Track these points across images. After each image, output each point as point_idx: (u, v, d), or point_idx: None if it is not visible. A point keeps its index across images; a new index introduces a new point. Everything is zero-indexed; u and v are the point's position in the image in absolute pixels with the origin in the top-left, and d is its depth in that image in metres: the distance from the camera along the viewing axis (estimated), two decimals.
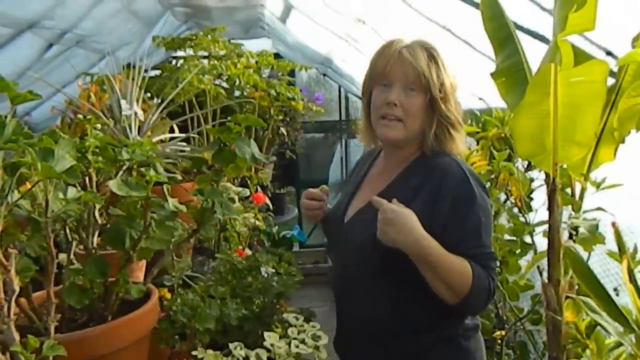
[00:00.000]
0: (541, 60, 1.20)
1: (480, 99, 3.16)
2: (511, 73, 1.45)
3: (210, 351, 0.98)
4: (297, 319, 1.08)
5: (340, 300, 1.26)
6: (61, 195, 0.69)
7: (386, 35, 3.47)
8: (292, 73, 5.43)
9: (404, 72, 1.19)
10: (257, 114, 3.74)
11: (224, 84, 3.93)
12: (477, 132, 2.20)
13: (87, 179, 0.89)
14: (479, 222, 1.15)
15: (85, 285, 0.87)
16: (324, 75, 5.31)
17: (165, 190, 0.87)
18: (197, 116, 3.07)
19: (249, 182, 2.89)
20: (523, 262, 2.18)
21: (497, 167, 1.93)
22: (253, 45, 3.97)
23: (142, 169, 0.88)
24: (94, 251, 0.92)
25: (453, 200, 1.14)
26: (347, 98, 5.51)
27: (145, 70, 3.37)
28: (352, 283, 1.24)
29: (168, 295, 1.36)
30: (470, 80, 3.01)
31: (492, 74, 1.52)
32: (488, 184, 2.08)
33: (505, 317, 2.23)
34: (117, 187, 0.80)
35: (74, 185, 0.81)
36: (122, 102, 1.37)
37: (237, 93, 3.84)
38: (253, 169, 3.76)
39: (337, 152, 5.57)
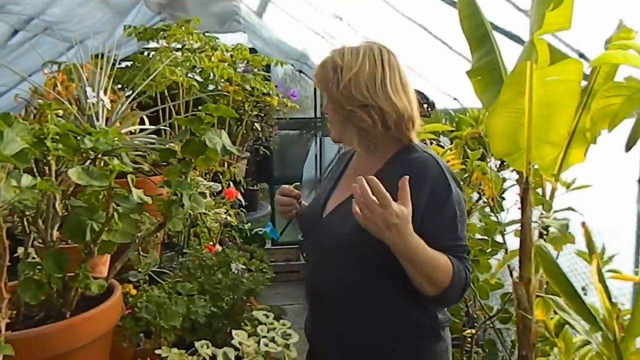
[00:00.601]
0: (517, 59, 1.20)
1: (455, 99, 3.19)
2: (487, 71, 1.45)
3: (175, 350, 0.94)
4: (267, 316, 1.05)
5: (315, 292, 1.27)
6: (14, 183, 0.65)
7: (363, 32, 3.48)
8: (267, 69, 5.38)
9: (319, 85, 1.33)
10: (231, 108, 3.68)
11: (198, 77, 3.87)
12: (451, 131, 2.21)
13: (46, 168, 0.84)
14: (454, 215, 1.19)
15: (42, 280, 0.82)
16: (300, 72, 5.28)
17: (129, 180, 0.83)
18: (169, 108, 3.01)
19: (221, 177, 2.84)
20: (494, 261, 2.20)
21: (471, 166, 1.93)
22: (228, 40, 3.91)
23: (107, 159, 0.83)
24: (52, 244, 0.87)
25: (431, 192, 1.17)
26: (322, 96, 5.49)
27: (116, 61, 3.28)
28: (329, 275, 1.25)
29: (133, 292, 1.31)
30: (445, 80, 3.03)
31: (468, 72, 1.52)
32: (461, 183, 2.09)
33: (475, 316, 2.25)
34: (76, 175, 0.76)
35: (33, 175, 0.76)
36: (88, 89, 1.31)
37: (211, 87, 3.78)
38: (226, 164, 3.71)
39: (311, 149, 5.54)
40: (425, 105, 3.46)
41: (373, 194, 1.04)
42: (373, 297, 1.20)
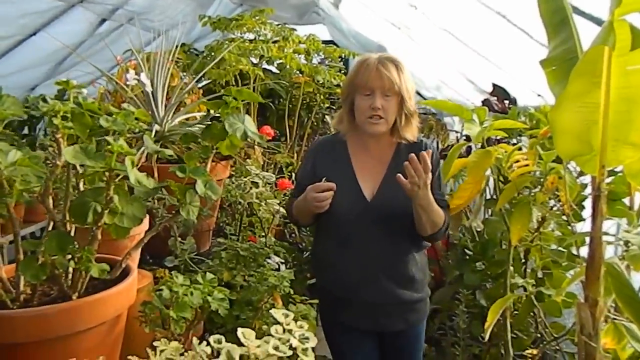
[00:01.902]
0: (591, 43, 1.02)
1: (539, 95, 2.93)
2: (563, 61, 1.27)
3: (174, 343, 0.90)
4: (286, 316, 0.99)
5: (376, 258, 1.68)
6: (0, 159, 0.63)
7: (439, 22, 3.30)
8: (346, 62, 5.31)
9: (381, 84, 1.63)
10: (303, 100, 3.67)
11: (274, 69, 3.88)
12: (526, 129, 2.01)
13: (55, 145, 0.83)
14: (440, 178, 1.76)
15: (46, 260, 0.82)
16: None
17: (128, 162, 0.79)
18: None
19: (283, 168, 2.82)
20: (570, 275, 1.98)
21: (544, 168, 1.73)
22: (307, 31, 3.88)
23: (111, 139, 0.80)
24: (62, 225, 0.86)
25: (436, 166, 1.70)
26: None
27: (195, 50, 3.34)
28: (394, 239, 1.69)
29: (168, 277, 1.30)
30: (528, 75, 2.78)
31: (541, 62, 1.34)
32: (535, 189, 1.89)
33: (543, 334, 2.03)
34: (72, 154, 0.74)
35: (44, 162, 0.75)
36: (130, 72, 1.32)
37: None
38: (295, 156, 3.70)
39: None
40: (507, 102, 3.21)
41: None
42: (413, 236, 1.69)
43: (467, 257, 2.53)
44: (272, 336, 0.92)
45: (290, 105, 3.57)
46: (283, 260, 1.47)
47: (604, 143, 1.06)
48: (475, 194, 1.73)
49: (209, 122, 0.95)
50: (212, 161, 1.88)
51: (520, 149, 2.16)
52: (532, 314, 2.20)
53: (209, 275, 1.08)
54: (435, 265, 3.08)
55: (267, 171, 3.00)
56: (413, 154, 1.48)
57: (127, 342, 1.06)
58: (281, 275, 1.26)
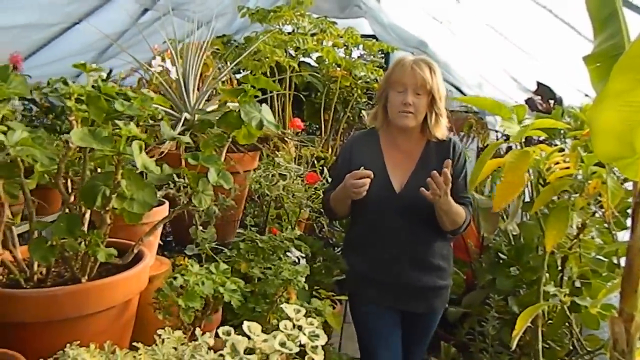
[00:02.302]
0: (636, 37, 0.94)
1: (586, 95, 2.78)
2: (608, 57, 1.19)
3: (178, 333, 0.88)
4: (297, 311, 0.96)
5: (403, 245, 1.88)
6: (2, 138, 0.63)
7: (482, 16, 3.18)
8: (386, 57, 5.23)
9: (414, 82, 1.81)
10: (339, 95, 3.63)
11: (313, 63, 3.86)
12: (569, 130, 1.91)
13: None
14: (466, 178, 1.92)
15: (56, 242, 0.82)
16: None
17: (135, 147, 0.78)
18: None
19: (315, 161, 2.79)
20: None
21: (586, 172, 1.64)
22: (349, 25, 3.83)
23: (121, 123, 0.79)
24: (74, 208, 0.86)
25: (457, 163, 1.90)
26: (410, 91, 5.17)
27: (235, 42, 3.35)
28: (419, 229, 1.89)
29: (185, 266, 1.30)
30: (575, 73, 2.64)
31: (585, 58, 1.26)
32: (575, 194, 1.79)
33: (577, 347, 1.93)
34: (79, 137, 0.73)
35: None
36: (157, 59, 1.31)
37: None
38: (330, 151, 3.67)
39: None
40: (552, 101, 3.08)
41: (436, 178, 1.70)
42: (437, 228, 1.88)
43: (501, 261, 2.44)
44: (281, 331, 0.89)
45: (327, 99, 3.54)
46: (303, 255, 1.45)
47: None
48: (513, 196, 1.65)
49: (226, 110, 0.93)
50: (240, 152, 1.88)
51: (562, 150, 2.06)
52: (567, 324, 2.09)
53: (223, 266, 1.07)
54: (467, 268, 2.99)
55: (299, 165, 2.99)
56: (435, 172, 1.69)
57: (140, 328, 1.06)
58: (295, 270, 1.23)
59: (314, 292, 2.03)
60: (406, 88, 1.80)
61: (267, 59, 2.62)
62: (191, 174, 0.90)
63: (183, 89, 1.82)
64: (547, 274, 2.08)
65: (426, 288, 1.91)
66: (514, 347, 1.51)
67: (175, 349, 0.81)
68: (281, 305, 0.99)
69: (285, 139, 2.93)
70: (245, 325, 0.88)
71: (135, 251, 0.96)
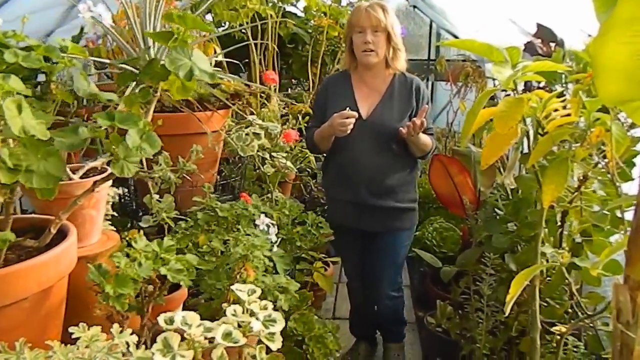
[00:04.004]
0: None
1: (589, 35, 2.57)
2: None
3: (94, 330, 0.76)
4: (252, 292, 0.83)
5: (367, 167, 2.19)
6: None
7: None
8: None
9: (370, 22, 2.10)
10: (327, 46, 3.41)
11: (300, 13, 3.62)
12: (571, 74, 1.73)
13: None
14: (430, 111, 2.23)
15: None
16: (414, 7, 4.76)
17: (9, 105, 0.62)
18: (262, 44, 2.82)
19: (300, 118, 2.63)
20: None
21: (588, 118, 1.47)
22: None
23: None
24: None
25: (423, 99, 2.23)
26: (438, 35, 4.94)
27: None
28: (381, 153, 2.18)
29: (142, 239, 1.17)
30: (576, 11, 2.43)
31: None
32: (576, 144, 1.63)
33: (579, 310, 1.82)
34: None
35: None
36: (87, 2, 1.13)
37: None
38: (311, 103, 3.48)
39: None
40: (553, 44, 2.87)
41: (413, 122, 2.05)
42: (404, 157, 2.22)
43: (498, 217, 2.31)
44: (230, 318, 0.77)
45: (314, 51, 3.34)
46: (274, 222, 1.32)
47: None
48: (504, 149, 1.50)
49: (150, 59, 0.76)
50: (208, 110, 1.72)
51: (562, 95, 1.89)
52: (566, 281, 1.98)
53: (167, 242, 0.93)
54: (464, 224, 2.87)
55: (287, 122, 2.82)
56: (415, 120, 2.03)
57: (85, 313, 0.93)
58: (252, 244, 1.10)
59: (303, 256, 1.92)
60: (365, 29, 2.11)
61: (243, 9, 2.41)
62: (112, 137, 0.75)
63: (141, 41, 1.65)
64: (546, 230, 1.96)
65: (382, 208, 2.20)
66: (507, 312, 1.39)
67: (88, 347, 0.69)
68: (232, 287, 0.86)
69: (271, 94, 2.75)
70: (180, 316, 0.75)
71: (54, 230, 0.83)
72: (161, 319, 0.80)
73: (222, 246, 1.16)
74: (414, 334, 2.96)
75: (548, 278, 2.04)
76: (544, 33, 2.84)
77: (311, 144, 2.20)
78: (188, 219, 1.34)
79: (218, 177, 2.03)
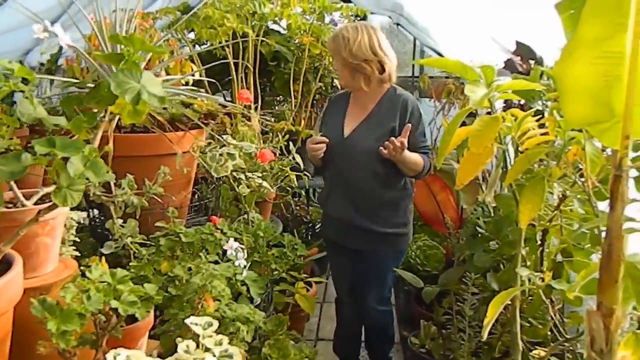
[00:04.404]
0: None
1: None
2: (584, 2, 1.00)
3: None
4: (207, 326, 0.79)
5: (347, 186, 2.20)
6: None
7: None
8: (364, 20, 4.95)
9: (333, 55, 2.23)
10: (308, 63, 3.41)
11: (283, 30, 3.62)
12: (548, 92, 1.72)
13: None
14: (423, 129, 2.24)
15: None
16: (398, 25, 4.79)
17: None
18: (242, 64, 2.80)
19: (280, 137, 2.60)
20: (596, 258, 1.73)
21: (564, 137, 1.46)
22: None
23: None
24: None
25: (410, 116, 2.16)
26: (422, 52, 4.96)
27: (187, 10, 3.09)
28: (355, 167, 2.16)
29: (104, 267, 1.12)
30: (555, 29, 2.45)
31: (557, 5, 1.07)
32: (552, 162, 1.62)
33: (557, 332, 1.78)
34: None
35: None
36: (44, 24, 1.10)
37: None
38: (302, 123, 3.46)
39: None
40: (532, 61, 2.89)
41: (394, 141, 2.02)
42: (385, 178, 2.16)
43: (479, 235, 2.28)
44: (187, 354, 0.72)
45: (297, 68, 3.33)
46: (243, 246, 1.28)
47: (629, 107, 0.80)
48: (478, 169, 1.48)
49: (98, 81, 0.73)
50: (180, 130, 1.69)
51: (539, 113, 1.88)
52: (550, 300, 1.96)
53: (120, 272, 0.89)
54: (447, 243, 2.85)
55: (271, 141, 2.79)
56: (393, 138, 2.01)
57: (33, 349, 0.88)
58: (210, 273, 1.05)
59: (283, 275, 1.88)
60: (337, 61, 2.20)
61: (221, 27, 2.40)
62: (55, 165, 0.71)
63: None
64: (526, 249, 1.94)
65: (365, 230, 2.18)
66: (485, 337, 1.36)
67: None
68: (186, 320, 0.82)
69: (252, 113, 2.73)
70: (124, 354, 0.71)
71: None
72: (110, 355, 0.76)
73: (185, 274, 1.11)
74: (399, 354, 2.91)
75: (530, 297, 2.01)
76: (523, 51, 2.85)
77: (312, 163, 2.36)
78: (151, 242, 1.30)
79: (196, 197, 1.99)
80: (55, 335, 0.78)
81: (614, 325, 0.88)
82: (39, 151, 0.68)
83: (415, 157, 2.10)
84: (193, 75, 2.19)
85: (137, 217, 1.27)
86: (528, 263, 2.01)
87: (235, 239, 1.32)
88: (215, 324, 0.81)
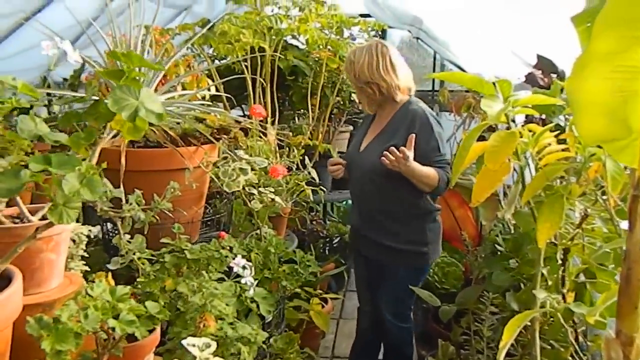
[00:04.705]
0: None
1: None
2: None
3: None
4: (205, 347, 0.77)
5: (358, 198, 2.36)
6: None
7: None
8: (383, 35, 4.95)
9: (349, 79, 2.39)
10: (328, 78, 3.41)
11: (302, 46, 3.63)
12: (565, 107, 1.67)
13: None
14: (436, 142, 2.13)
15: None
16: (417, 39, 4.76)
17: None
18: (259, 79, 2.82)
19: (295, 151, 2.59)
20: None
21: (584, 154, 1.41)
22: (347, 5, 3.64)
23: None
24: None
25: (419, 130, 2.11)
26: (443, 66, 4.92)
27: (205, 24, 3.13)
28: (366, 183, 2.22)
29: (111, 283, 1.11)
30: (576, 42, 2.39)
31: (573, 18, 1.04)
32: (572, 179, 1.56)
33: (582, 353, 1.71)
34: None
35: None
36: (53, 41, 1.11)
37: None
38: (320, 137, 3.45)
39: None
40: (554, 75, 2.83)
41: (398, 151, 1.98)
42: (392, 192, 2.16)
43: (499, 252, 2.22)
44: None
45: (315, 83, 3.33)
46: (250, 264, 1.26)
47: None
48: (494, 187, 1.44)
49: (96, 98, 0.73)
50: (193, 145, 1.69)
51: (559, 129, 1.83)
52: (573, 321, 1.88)
53: (120, 290, 0.88)
54: (466, 260, 2.78)
55: (287, 156, 2.79)
56: (392, 147, 2.00)
57: None
58: (210, 292, 1.04)
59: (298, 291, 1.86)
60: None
61: (237, 42, 2.41)
62: (52, 181, 0.71)
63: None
64: (547, 268, 1.87)
65: (373, 241, 2.24)
66: (501, 359, 1.31)
67: None
68: (183, 342, 0.80)
69: (268, 127, 2.73)
70: None
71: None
72: None
73: (190, 291, 1.09)
74: None
75: (552, 318, 1.94)
76: (545, 64, 2.80)
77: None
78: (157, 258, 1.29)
79: (209, 211, 1.98)
80: (50, 355, 0.77)
81: (634, 355, 0.83)
82: (33, 168, 0.68)
83: (426, 171, 2.05)
84: (209, 89, 2.20)
85: (146, 232, 1.27)
86: (549, 283, 1.94)
87: (243, 256, 1.30)
88: (214, 345, 0.79)
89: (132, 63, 0.74)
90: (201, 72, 2.28)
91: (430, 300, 2.26)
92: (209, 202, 1.92)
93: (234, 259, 1.25)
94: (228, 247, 1.28)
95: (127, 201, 1.17)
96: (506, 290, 2.17)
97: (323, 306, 2.80)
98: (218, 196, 2.00)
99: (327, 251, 3.51)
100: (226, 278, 1.26)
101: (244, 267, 1.25)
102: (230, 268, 1.24)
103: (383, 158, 1.99)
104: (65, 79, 3.21)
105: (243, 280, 1.24)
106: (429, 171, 2.06)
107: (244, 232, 1.93)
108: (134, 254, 1.19)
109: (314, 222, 3.08)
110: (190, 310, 1.02)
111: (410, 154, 1.97)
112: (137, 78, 0.74)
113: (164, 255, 1.24)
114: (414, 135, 2.03)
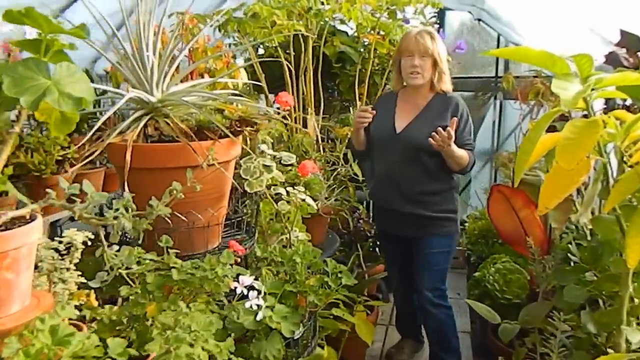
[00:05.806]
0: None
1: None
2: None
3: None
4: None
5: (397, 177, 2.38)
6: None
7: None
8: (441, 18, 4.61)
9: (418, 48, 2.31)
10: (377, 64, 3.14)
11: (351, 31, 3.39)
12: None
13: None
14: (470, 128, 2.41)
15: None
16: (479, 20, 4.37)
17: None
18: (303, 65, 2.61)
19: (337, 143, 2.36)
20: None
21: None
22: None
23: None
24: None
25: (461, 116, 2.35)
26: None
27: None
28: (409, 165, 2.35)
29: (94, 303, 0.94)
30: None
31: None
32: None
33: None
34: None
35: None
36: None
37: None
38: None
39: (488, 114, 4.63)
40: None
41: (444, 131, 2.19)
42: (435, 170, 2.35)
43: (572, 263, 1.89)
44: None
45: (363, 70, 3.08)
46: (260, 284, 1.04)
47: None
48: (569, 190, 1.15)
49: None
50: (209, 139, 1.50)
51: None
52: None
53: (64, 329, 0.68)
54: (532, 267, 2.45)
55: (330, 149, 2.59)
56: (440, 128, 2.17)
57: None
58: (176, 337, 0.82)
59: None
60: (413, 54, 2.30)
61: (274, 26, 2.21)
62: None
63: (138, 64, 1.49)
64: (635, 285, 1.54)
65: (414, 215, 2.36)
66: None
67: None
68: None
69: (309, 116, 2.53)
70: None
71: None
72: None
73: (172, 322, 0.90)
74: None
75: None
76: (630, 41, 2.40)
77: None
78: (162, 273, 1.09)
79: (238, 210, 1.80)
80: None
81: None
82: None
83: (462, 152, 2.27)
84: (242, 79, 2.02)
85: (141, 240, 1.09)
86: (636, 302, 1.61)
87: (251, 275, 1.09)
88: None
89: (41, 28, 0.54)
90: (232, 59, 2.10)
91: (488, 316, 1.97)
92: (234, 202, 1.73)
93: (235, 278, 1.05)
94: (230, 264, 1.07)
95: (110, 206, 0.99)
96: (581, 307, 1.85)
97: (368, 314, 2.57)
98: (244, 195, 1.80)
99: (377, 251, 3.27)
100: (229, 302, 1.06)
101: (249, 288, 1.04)
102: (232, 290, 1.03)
103: (432, 137, 2.14)
104: (107, 71, 3.14)
105: (247, 304, 1.04)
106: (463, 152, 2.28)
107: (273, 234, 1.73)
108: (120, 268, 1.02)
109: (361, 221, 2.84)
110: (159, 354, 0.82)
111: (453, 135, 2.16)
112: (62, 50, 0.55)
113: (144, 274, 1.05)
114: (456, 118, 2.21)
